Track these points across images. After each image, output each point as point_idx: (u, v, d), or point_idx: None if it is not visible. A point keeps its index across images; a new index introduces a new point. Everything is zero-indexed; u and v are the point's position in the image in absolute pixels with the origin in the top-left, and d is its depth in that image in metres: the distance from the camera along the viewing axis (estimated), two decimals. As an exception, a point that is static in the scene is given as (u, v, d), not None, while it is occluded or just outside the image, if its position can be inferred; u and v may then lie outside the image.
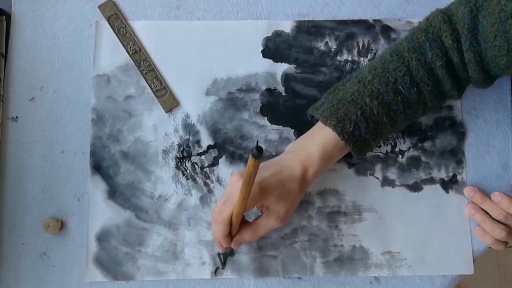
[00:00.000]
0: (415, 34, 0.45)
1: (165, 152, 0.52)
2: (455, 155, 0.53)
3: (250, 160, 0.32)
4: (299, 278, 0.51)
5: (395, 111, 0.44)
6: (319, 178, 0.52)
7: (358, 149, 0.44)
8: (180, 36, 0.54)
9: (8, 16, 0.54)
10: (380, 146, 0.53)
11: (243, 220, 0.45)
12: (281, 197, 0.42)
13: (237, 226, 0.43)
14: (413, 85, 0.43)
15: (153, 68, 0.53)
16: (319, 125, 0.46)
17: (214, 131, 0.53)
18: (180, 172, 0.52)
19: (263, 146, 0.53)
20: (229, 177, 0.52)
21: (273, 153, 0.52)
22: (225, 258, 0.50)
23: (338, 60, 0.54)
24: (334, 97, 0.46)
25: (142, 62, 0.53)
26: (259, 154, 0.31)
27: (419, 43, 0.44)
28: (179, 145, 0.53)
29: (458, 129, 0.53)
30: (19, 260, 0.51)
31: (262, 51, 0.54)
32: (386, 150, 0.53)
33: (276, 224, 0.43)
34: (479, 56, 0.42)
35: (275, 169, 0.43)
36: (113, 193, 0.52)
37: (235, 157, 0.52)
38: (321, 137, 0.44)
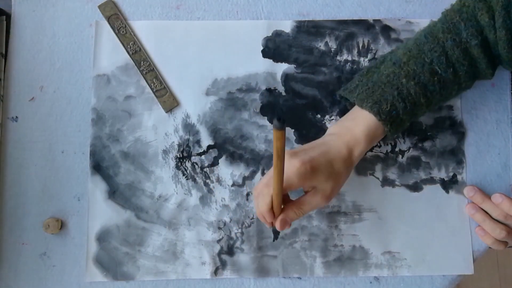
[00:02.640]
0: (448, 15, 0.45)
1: (165, 152, 0.52)
2: (455, 155, 0.53)
3: (275, 132, 0.32)
4: (299, 278, 0.51)
5: (432, 91, 0.44)
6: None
7: (394, 129, 0.44)
8: (180, 36, 0.54)
9: (8, 16, 0.54)
10: (385, 144, 0.53)
11: (287, 199, 0.45)
12: (330, 176, 0.42)
13: (278, 203, 0.41)
14: (449, 66, 0.44)
15: (153, 68, 0.53)
16: (357, 107, 0.46)
17: (214, 131, 0.53)
18: (180, 172, 0.52)
19: (263, 146, 0.53)
20: (229, 177, 0.52)
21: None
22: (276, 232, 0.50)
23: (338, 60, 0.54)
24: (368, 80, 0.46)
25: (142, 62, 0.53)
26: (281, 125, 0.30)
27: (453, 23, 0.44)
28: (179, 145, 0.53)
29: (458, 129, 0.53)
30: (19, 260, 0.51)
31: (262, 51, 0.54)
32: (386, 150, 0.53)
33: (322, 202, 0.43)
34: (511, 34, 0.42)
35: (323, 149, 0.43)
36: (113, 193, 0.52)
37: (235, 157, 0.52)
38: (363, 118, 0.44)
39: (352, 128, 0.45)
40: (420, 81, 0.44)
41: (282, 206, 0.43)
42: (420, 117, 0.48)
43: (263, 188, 0.42)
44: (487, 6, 0.43)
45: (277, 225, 0.43)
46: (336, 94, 0.50)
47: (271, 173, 0.42)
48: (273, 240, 0.50)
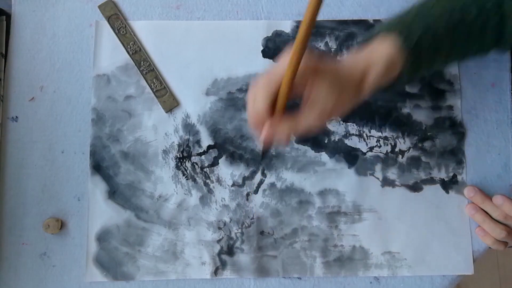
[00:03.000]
0: None
1: (165, 152, 0.52)
2: (455, 155, 0.53)
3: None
4: (299, 278, 0.51)
5: (458, 36, 0.42)
6: (319, 177, 0.52)
7: (415, 66, 0.41)
8: (180, 36, 0.54)
9: (8, 16, 0.54)
10: (385, 144, 0.53)
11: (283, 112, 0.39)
12: (333, 90, 0.37)
13: (285, 97, 0.36)
14: (480, 14, 0.42)
15: (153, 68, 0.53)
16: (380, 38, 0.41)
17: (214, 131, 0.53)
18: (180, 172, 0.52)
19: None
20: (229, 177, 0.52)
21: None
22: (265, 152, 0.42)
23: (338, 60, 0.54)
24: (397, 15, 0.43)
25: (142, 62, 0.53)
26: None
27: None
28: (179, 145, 0.53)
29: (458, 129, 0.53)
30: (19, 260, 0.51)
31: (262, 51, 0.54)
32: (386, 150, 0.53)
33: (316, 120, 0.37)
34: None
35: (335, 63, 0.39)
36: (113, 193, 0.52)
37: (235, 157, 0.52)
38: (384, 45, 0.40)
39: (371, 51, 0.40)
40: (449, 21, 0.41)
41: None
42: (432, 70, 0.44)
43: (265, 82, 0.36)
44: None
45: (264, 133, 0.37)
46: (358, 41, 0.45)
47: (274, 66, 0.37)
48: (261, 160, 0.44)
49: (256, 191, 0.52)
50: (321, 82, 0.36)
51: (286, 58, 0.35)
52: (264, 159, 0.43)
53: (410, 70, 0.41)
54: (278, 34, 0.54)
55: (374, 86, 0.40)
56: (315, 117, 0.37)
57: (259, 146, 0.44)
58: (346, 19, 0.55)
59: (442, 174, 0.53)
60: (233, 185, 0.52)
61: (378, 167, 0.53)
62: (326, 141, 0.53)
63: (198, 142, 0.53)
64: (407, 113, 0.53)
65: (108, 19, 0.54)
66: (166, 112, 0.53)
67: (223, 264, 0.51)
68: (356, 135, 0.53)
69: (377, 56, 0.40)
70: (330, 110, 0.37)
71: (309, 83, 0.36)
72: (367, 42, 0.43)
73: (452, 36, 0.42)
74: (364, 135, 0.53)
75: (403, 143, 0.53)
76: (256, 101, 0.36)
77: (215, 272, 0.50)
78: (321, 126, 0.38)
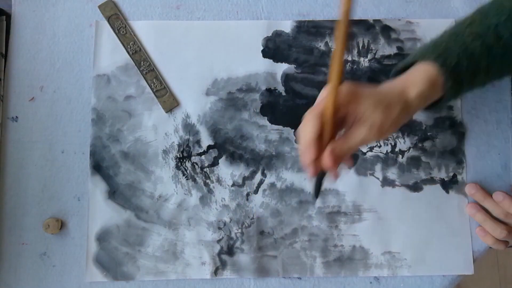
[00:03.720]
0: None
1: (165, 152, 0.52)
2: (455, 155, 0.53)
3: None
4: (299, 278, 0.51)
5: (494, 56, 0.42)
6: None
7: (456, 87, 0.41)
8: (180, 36, 0.54)
9: (8, 16, 0.54)
10: (385, 144, 0.53)
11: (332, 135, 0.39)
12: (379, 104, 0.37)
13: (331, 121, 0.36)
14: None
15: (153, 68, 0.53)
16: (413, 68, 0.42)
17: (214, 131, 0.53)
18: (180, 172, 0.52)
19: (263, 146, 0.53)
20: (229, 177, 0.52)
21: (273, 153, 0.52)
22: (318, 185, 0.40)
23: (338, 60, 0.54)
24: (429, 42, 0.44)
25: (142, 62, 0.53)
26: None
27: None
28: (179, 145, 0.53)
29: (458, 129, 0.53)
30: (19, 260, 0.51)
31: (262, 51, 0.54)
32: (386, 150, 0.53)
33: (369, 134, 0.37)
34: None
35: (372, 86, 0.39)
36: (113, 193, 0.52)
37: (235, 157, 0.52)
38: (423, 68, 0.41)
39: (410, 75, 0.41)
40: (484, 42, 0.41)
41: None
42: (474, 87, 0.44)
43: (309, 114, 0.37)
44: None
45: (326, 158, 0.37)
46: (391, 73, 0.46)
47: (317, 102, 0.39)
48: (314, 198, 0.43)
49: (256, 191, 0.52)
50: (364, 102, 0.37)
51: (325, 91, 0.37)
52: (318, 195, 0.42)
53: (451, 92, 0.41)
54: (278, 34, 0.54)
55: (419, 101, 0.40)
56: (365, 133, 0.37)
57: (310, 183, 0.44)
58: (346, 19, 0.55)
59: (442, 174, 0.53)
60: (233, 185, 0.52)
61: (378, 167, 0.53)
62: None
63: (198, 142, 0.53)
64: (449, 102, 0.52)
65: (108, 19, 0.54)
66: (166, 112, 0.53)
67: (223, 264, 0.51)
68: (356, 135, 0.53)
69: (416, 77, 0.40)
70: (381, 124, 0.37)
71: (352, 108, 0.37)
72: (401, 70, 0.43)
73: (489, 56, 0.42)
74: (364, 135, 0.53)
75: (403, 143, 0.53)
76: (304, 135, 0.37)
77: (215, 272, 0.50)
78: (373, 140, 0.39)
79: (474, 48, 0.41)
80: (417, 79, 0.40)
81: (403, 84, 0.40)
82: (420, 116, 0.53)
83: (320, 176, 0.40)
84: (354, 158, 0.52)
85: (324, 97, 0.37)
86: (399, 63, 0.45)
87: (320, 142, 0.37)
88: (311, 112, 0.37)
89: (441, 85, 0.41)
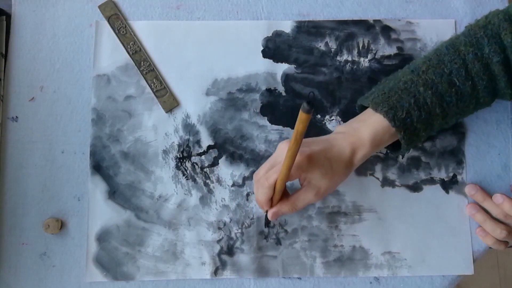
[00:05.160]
0: (472, 30, 0.45)
1: (165, 152, 0.52)
2: (455, 155, 0.53)
3: (301, 115, 0.31)
4: (299, 278, 0.51)
5: (448, 102, 0.44)
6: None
7: (408, 138, 0.44)
8: (180, 36, 0.54)
9: (8, 16, 0.54)
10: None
11: (284, 191, 0.45)
12: (326, 174, 0.42)
13: (280, 191, 0.42)
14: (468, 78, 0.43)
15: (153, 68, 0.53)
16: (369, 110, 0.46)
17: (214, 131, 0.53)
18: (180, 172, 0.52)
19: (263, 146, 0.53)
20: (229, 177, 0.52)
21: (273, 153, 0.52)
22: (268, 219, 0.47)
23: (338, 60, 0.54)
24: (385, 86, 0.46)
25: (142, 62, 0.53)
26: (310, 108, 0.29)
27: (477, 38, 0.44)
28: (179, 145, 0.53)
29: (458, 129, 0.53)
30: (19, 260, 0.51)
31: (262, 51, 0.54)
32: (386, 151, 0.53)
33: (314, 199, 0.43)
34: None
35: (325, 145, 0.43)
36: (113, 193, 0.52)
37: (235, 157, 0.52)
38: (372, 121, 0.44)
39: (359, 129, 0.44)
40: (437, 90, 0.43)
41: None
42: (436, 130, 0.47)
43: (263, 181, 0.42)
44: (511, 27, 0.43)
45: (270, 216, 0.44)
46: (356, 105, 0.50)
47: (271, 161, 0.43)
48: (265, 227, 0.51)
49: (256, 191, 0.52)
50: (314, 170, 0.42)
51: (282, 149, 0.42)
52: (268, 226, 0.51)
53: (406, 140, 0.44)
54: (278, 34, 0.54)
55: (362, 162, 0.45)
56: (312, 198, 0.43)
57: (263, 217, 0.51)
58: (346, 19, 0.55)
59: (442, 174, 0.53)
60: (233, 185, 0.52)
61: (378, 167, 0.53)
62: None
63: (198, 142, 0.53)
64: (409, 150, 0.53)
65: (108, 19, 0.54)
66: (166, 112, 0.53)
67: (223, 264, 0.51)
68: (356, 135, 0.53)
69: (363, 137, 0.44)
70: (324, 190, 0.43)
71: (303, 171, 0.41)
72: (360, 110, 0.48)
73: (442, 103, 0.44)
74: (364, 135, 0.53)
75: (403, 143, 0.53)
76: (258, 194, 0.43)
77: (215, 272, 0.50)
78: (316, 201, 0.45)
79: (425, 98, 0.43)
80: (365, 140, 0.43)
81: (352, 147, 0.43)
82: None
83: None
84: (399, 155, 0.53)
85: (278, 169, 0.40)
86: (360, 99, 0.48)
87: (271, 200, 0.44)
88: (264, 180, 0.42)
89: (388, 136, 0.44)
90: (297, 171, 0.41)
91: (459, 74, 0.43)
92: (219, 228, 0.51)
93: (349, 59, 0.54)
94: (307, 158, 0.41)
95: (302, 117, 0.31)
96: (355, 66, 0.54)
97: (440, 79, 0.44)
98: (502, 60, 0.43)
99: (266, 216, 0.46)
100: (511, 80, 0.44)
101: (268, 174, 0.42)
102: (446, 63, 0.44)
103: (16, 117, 0.53)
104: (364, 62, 0.54)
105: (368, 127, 0.44)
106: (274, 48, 0.54)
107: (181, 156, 0.52)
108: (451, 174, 0.53)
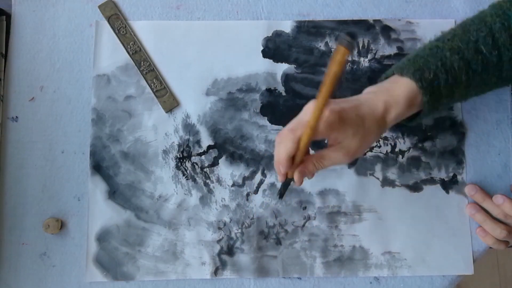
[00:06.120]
0: (498, 4, 0.44)
1: (165, 152, 0.52)
2: (455, 155, 0.53)
3: (338, 50, 0.27)
4: (299, 278, 0.51)
5: (474, 70, 0.43)
6: (319, 177, 0.52)
7: (433, 102, 0.42)
8: (180, 36, 0.54)
9: (8, 16, 0.54)
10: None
11: (307, 153, 0.42)
12: (357, 133, 0.39)
13: (304, 149, 0.39)
14: (494, 47, 0.43)
15: (153, 68, 0.53)
16: (396, 77, 0.43)
17: (214, 131, 0.53)
18: (180, 172, 0.52)
19: (263, 146, 0.53)
20: (229, 177, 0.52)
21: (273, 153, 0.52)
22: (284, 188, 0.45)
23: (338, 60, 0.54)
24: (408, 56, 0.45)
25: (142, 62, 0.53)
26: (352, 40, 0.24)
27: (503, 10, 0.43)
28: (179, 145, 0.53)
29: (458, 129, 0.53)
30: (19, 260, 0.51)
31: (262, 51, 0.54)
32: (386, 150, 0.53)
33: (344, 159, 0.40)
34: None
35: (356, 104, 0.41)
36: (113, 193, 0.52)
37: (235, 157, 0.52)
38: (403, 83, 0.42)
39: (391, 89, 0.42)
40: (464, 56, 0.42)
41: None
42: (455, 101, 0.45)
43: (288, 134, 0.39)
44: None
45: (296, 176, 0.40)
46: (378, 80, 0.47)
47: (298, 118, 0.40)
48: (279, 198, 0.47)
49: (256, 191, 0.52)
50: (346, 129, 0.39)
51: (310, 108, 0.39)
52: (282, 197, 0.46)
53: (430, 106, 0.42)
54: (278, 34, 0.54)
55: (395, 122, 0.42)
56: (341, 158, 0.40)
57: (279, 184, 0.48)
58: (346, 19, 0.55)
59: (442, 174, 0.53)
60: (233, 185, 0.52)
61: (378, 167, 0.53)
62: (326, 141, 0.53)
63: (198, 142, 0.53)
64: (429, 115, 0.53)
65: (108, 19, 0.54)
66: (166, 112, 0.53)
67: (223, 264, 0.51)
68: (356, 135, 0.53)
69: (397, 95, 0.41)
70: (355, 151, 0.40)
71: (334, 130, 0.39)
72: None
73: (468, 70, 0.43)
74: (364, 135, 0.53)
75: (403, 143, 0.53)
76: (280, 152, 0.40)
77: (215, 272, 0.50)
78: (345, 163, 0.41)
79: (453, 62, 0.42)
80: (399, 98, 0.41)
81: (385, 104, 0.41)
82: (420, 116, 0.53)
83: (287, 181, 0.44)
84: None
85: (305, 118, 0.38)
86: (383, 75, 0.46)
87: (293, 159, 0.40)
88: (288, 133, 0.39)
89: (419, 101, 0.42)
90: (327, 128, 0.38)
91: (485, 42, 0.42)
92: (219, 228, 0.51)
93: (349, 59, 0.54)
94: (338, 115, 0.38)
95: (340, 53, 0.26)
96: (355, 66, 0.54)
97: (466, 45, 0.42)
98: None
99: (282, 184, 0.44)
100: None
101: (295, 127, 0.39)
102: (472, 32, 0.43)
103: (16, 117, 0.53)
104: (364, 62, 0.54)
105: (401, 87, 0.42)
106: (274, 48, 0.54)
107: (181, 156, 0.52)
108: (451, 174, 0.53)
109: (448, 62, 0.42)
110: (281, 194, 0.45)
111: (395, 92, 0.42)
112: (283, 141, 0.39)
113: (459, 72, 0.42)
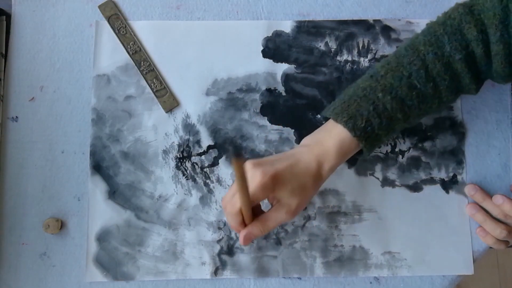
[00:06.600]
0: (432, 27, 0.43)
1: (165, 152, 0.52)
2: (455, 155, 0.53)
3: (234, 161, 0.31)
4: (299, 278, 0.51)
5: (409, 106, 0.42)
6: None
7: (370, 145, 0.43)
8: (180, 36, 0.54)
9: (8, 16, 0.54)
10: (385, 145, 0.53)
11: (258, 211, 0.44)
12: (294, 191, 0.40)
13: (248, 216, 0.41)
14: (429, 80, 0.42)
15: (153, 68, 0.53)
16: (332, 121, 0.44)
17: (214, 131, 0.53)
18: (180, 172, 0.52)
19: (263, 146, 0.53)
20: (229, 177, 0.52)
21: (273, 153, 0.52)
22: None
23: (338, 60, 0.54)
24: (345, 94, 0.44)
25: (142, 62, 0.53)
26: (239, 152, 0.30)
27: (436, 36, 0.42)
28: (179, 145, 0.53)
29: (458, 129, 0.53)
30: (19, 260, 0.51)
31: (262, 51, 0.54)
32: (386, 150, 0.53)
33: (286, 217, 0.41)
34: (509, 48, 0.41)
35: (290, 161, 0.41)
36: (113, 193, 0.52)
37: (235, 157, 0.52)
38: (336, 131, 0.42)
39: (324, 141, 0.43)
40: (397, 95, 0.42)
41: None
42: (398, 131, 0.45)
43: (229, 207, 0.41)
44: (475, 20, 0.41)
45: (241, 240, 0.41)
46: (321, 116, 0.49)
47: (234, 188, 0.41)
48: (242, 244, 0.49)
49: (256, 191, 0.52)
50: (282, 188, 0.40)
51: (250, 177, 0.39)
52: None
53: (368, 147, 0.43)
54: (278, 34, 0.54)
55: (330, 173, 0.43)
56: (283, 217, 0.41)
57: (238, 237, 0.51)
58: (346, 19, 0.55)
59: (442, 174, 0.53)
60: (233, 185, 0.52)
61: (378, 167, 0.53)
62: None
63: (198, 142, 0.53)
64: (372, 151, 0.53)
65: (108, 19, 0.54)
66: (166, 112, 0.53)
67: (223, 264, 0.51)
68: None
69: (329, 149, 0.42)
70: (296, 207, 0.41)
71: (269, 192, 0.39)
72: (324, 120, 0.46)
73: (403, 107, 0.42)
74: (364, 135, 0.53)
75: (403, 143, 0.53)
76: (228, 220, 0.42)
77: (215, 272, 0.50)
78: (290, 220, 0.42)
79: (385, 104, 0.42)
80: (331, 151, 0.42)
81: (317, 159, 0.42)
82: (420, 116, 0.53)
83: None
84: (354, 159, 0.52)
85: (238, 202, 0.39)
86: (324, 110, 0.47)
87: (244, 222, 0.42)
88: (229, 200, 0.41)
89: (353, 147, 0.43)
90: (263, 192, 0.39)
91: (419, 76, 0.42)
92: (219, 228, 0.51)
93: (349, 59, 0.54)
94: (271, 178, 0.39)
95: (236, 164, 0.32)
96: (355, 66, 0.54)
97: (399, 83, 0.42)
98: (464, 57, 0.41)
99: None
100: (476, 76, 0.43)
101: (233, 201, 0.40)
102: (405, 65, 0.42)
103: (16, 117, 0.53)
104: (364, 62, 0.54)
105: (332, 138, 0.42)
106: (274, 48, 0.54)
107: (181, 156, 0.52)
108: (451, 174, 0.53)
109: (380, 104, 0.42)
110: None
111: (328, 146, 0.42)
112: (229, 209, 0.41)
113: (393, 112, 0.42)
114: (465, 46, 0.42)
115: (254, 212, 0.42)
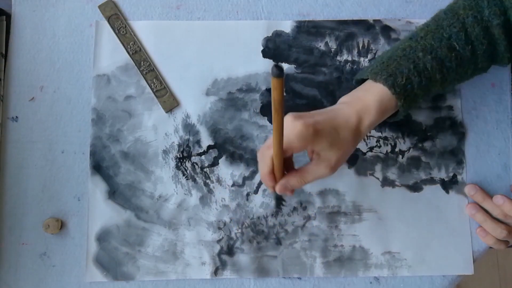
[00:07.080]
0: None
1: (165, 152, 0.52)
2: (455, 155, 0.53)
3: (273, 81, 0.30)
4: (299, 278, 0.51)
5: (448, 68, 0.43)
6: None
7: (408, 104, 0.43)
8: (180, 36, 0.54)
9: (8, 16, 0.54)
10: (385, 145, 0.53)
11: (291, 167, 0.44)
12: (334, 144, 0.40)
13: (279, 166, 0.40)
14: (467, 42, 0.42)
15: (153, 68, 0.53)
16: (370, 81, 0.44)
17: (214, 131, 0.53)
18: (180, 172, 0.52)
19: (263, 146, 0.53)
20: (229, 177, 0.52)
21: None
22: (278, 199, 0.48)
23: (338, 60, 0.54)
24: (383, 55, 0.45)
25: (142, 62, 0.53)
26: (279, 71, 0.28)
27: (476, 1, 0.43)
28: (179, 145, 0.53)
29: (458, 129, 0.53)
30: (19, 260, 0.51)
31: (262, 51, 0.54)
32: (386, 150, 0.53)
33: (325, 172, 0.41)
34: None
35: (330, 115, 0.41)
36: (113, 193, 0.52)
37: (235, 157, 0.52)
38: (376, 89, 0.42)
39: (364, 97, 0.43)
40: (437, 55, 0.42)
41: (286, 172, 0.42)
42: (431, 96, 0.45)
43: (265, 150, 0.40)
44: None
45: (277, 189, 0.41)
46: (353, 80, 0.49)
47: (270, 140, 0.40)
48: (275, 207, 0.50)
49: (256, 191, 0.52)
50: (321, 141, 0.39)
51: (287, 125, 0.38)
52: (278, 207, 0.51)
53: (405, 107, 0.43)
54: (278, 34, 0.54)
55: (370, 129, 0.43)
56: (323, 171, 0.41)
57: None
58: (346, 19, 0.55)
59: (442, 174, 0.53)
60: (233, 185, 0.52)
61: (378, 167, 0.53)
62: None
63: (198, 142, 0.53)
64: (407, 113, 0.53)
65: (108, 19, 0.54)
66: (166, 112, 0.53)
67: (223, 264, 0.51)
68: (356, 135, 0.53)
69: (369, 105, 0.42)
70: (335, 162, 0.40)
71: (308, 143, 0.39)
72: (356, 85, 0.46)
73: (442, 69, 0.43)
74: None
75: (403, 143, 0.53)
76: (260, 168, 0.42)
77: (215, 272, 0.50)
78: (329, 175, 0.42)
79: (426, 63, 0.42)
80: (372, 107, 0.42)
81: (358, 114, 0.42)
82: (420, 116, 0.53)
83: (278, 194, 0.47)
84: (354, 158, 0.52)
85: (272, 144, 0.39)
86: (357, 74, 0.47)
87: (273, 175, 0.42)
88: (265, 150, 0.41)
89: (392, 106, 0.42)
90: (302, 142, 0.39)
91: (458, 38, 0.42)
92: (219, 228, 0.51)
93: (349, 59, 0.54)
94: (312, 128, 0.38)
95: (274, 84, 0.30)
96: (355, 66, 0.54)
97: (439, 43, 0.42)
98: (502, 23, 0.42)
99: (274, 196, 0.47)
100: (511, 44, 0.44)
101: (270, 144, 0.40)
102: (445, 28, 0.43)
103: (16, 117, 0.53)
104: (364, 62, 0.54)
105: (373, 95, 0.42)
106: (274, 48, 0.54)
107: (181, 156, 0.52)
108: (451, 174, 0.53)
109: (421, 63, 0.42)
110: (276, 204, 0.50)
111: (368, 101, 0.42)
112: (262, 157, 0.41)
113: (433, 72, 0.42)
114: (503, 12, 0.42)
115: (286, 167, 0.42)
